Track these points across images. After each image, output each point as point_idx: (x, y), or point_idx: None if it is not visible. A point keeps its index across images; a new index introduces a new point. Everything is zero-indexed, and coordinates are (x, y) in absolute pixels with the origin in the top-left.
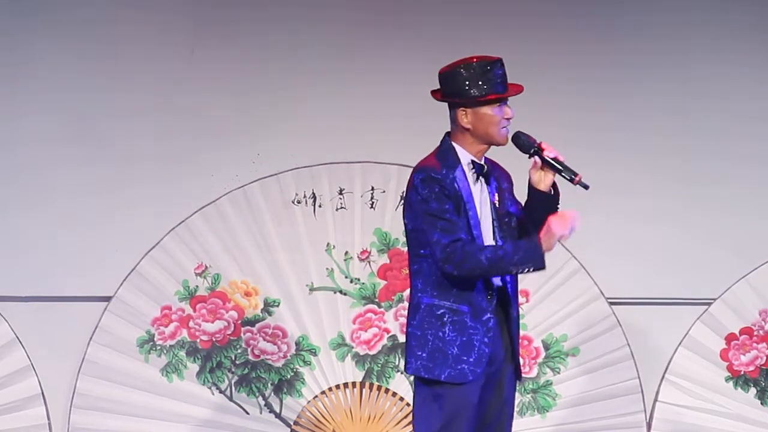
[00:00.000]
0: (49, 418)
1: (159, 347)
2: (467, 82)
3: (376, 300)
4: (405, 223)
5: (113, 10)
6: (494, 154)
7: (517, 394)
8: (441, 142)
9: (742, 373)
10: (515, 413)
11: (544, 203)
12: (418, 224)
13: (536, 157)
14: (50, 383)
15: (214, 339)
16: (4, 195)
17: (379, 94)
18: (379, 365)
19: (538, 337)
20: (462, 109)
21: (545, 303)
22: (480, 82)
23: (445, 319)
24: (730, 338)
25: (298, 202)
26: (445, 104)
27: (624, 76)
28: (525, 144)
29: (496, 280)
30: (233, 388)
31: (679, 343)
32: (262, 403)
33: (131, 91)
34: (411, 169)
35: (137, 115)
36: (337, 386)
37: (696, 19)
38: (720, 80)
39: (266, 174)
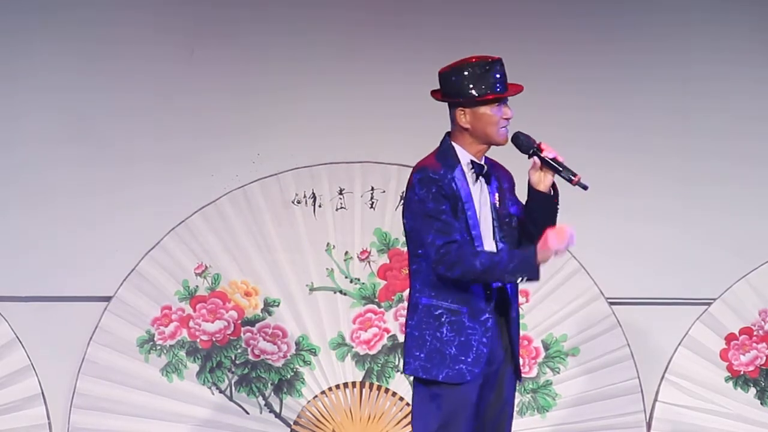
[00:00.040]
0: (49, 418)
1: (159, 347)
2: (466, 82)
3: (376, 300)
4: (404, 223)
5: (113, 10)
6: (494, 154)
7: (517, 394)
8: (441, 142)
9: (742, 373)
10: (515, 413)
11: (544, 204)
12: (415, 224)
13: (535, 158)
14: (50, 383)
15: (214, 339)
16: (4, 195)
17: (379, 94)
18: (379, 365)
19: (538, 337)
20: (460, 108)
21: (545, 303)
22: (478, 82)
23: (443, 319)
24: (729, 338)
25: (298, 202)
26: (445, 104)
27: (624, 76)
28: (524, 144)
29: None
30: (233, 388)
31: (679, 343)
32: (262, 403)
33: (131, 91)
34: (411, 169)
35: (137, 115)
36: (337, 386)
37: (696, 19)
38: (720, 80)
39: (266, 174)
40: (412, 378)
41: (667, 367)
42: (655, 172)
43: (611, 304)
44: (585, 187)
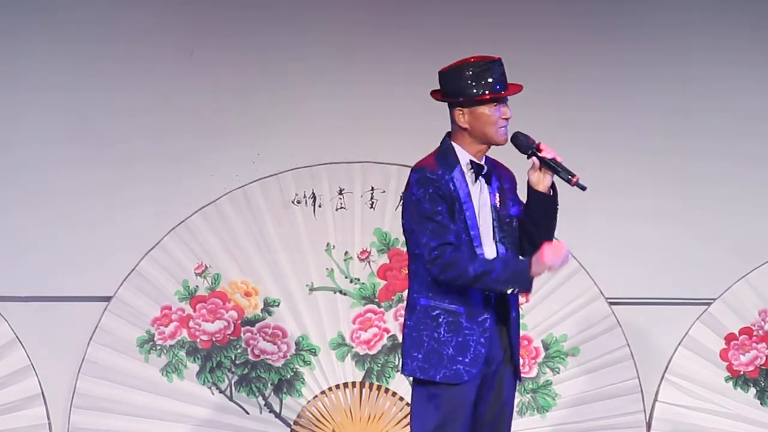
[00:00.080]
0: (49, 418)
1: (159, 347)
2: (464, 82)
3: (376, 300)
4: (403, 223)
5: (113, 10)
6: (494, 154)
7: (516, 394)
8: (441, 142)
9: (742, 373)
10: (515, 413)
11: (543, 204)
12: (412, 225)
13: (534, 158)
14: (50, 383)
15: (214, 339)
16: (4, 195)
17: (379, 94)
18: (379, 365)
19: (538, 337)
20: (459, 108)
21: (545, 303)
22: (477, 82)
23: (441, 320)
24: (729, 338)
25: (298, 202)
26: (446, 104)
27: (624, 76)
28: (523, 144)
29: None
30: (233, 388)
31: (679, 343)
32: (262, 403)
33: (131, 91)
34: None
35: (137, 115)
36: (337, 386)
37: (696, 19)
38: (720, 80)
39: (266, 174)
40: (411, 378)
41: (667, 367)
42: (655, 172)
43: (611, 304)
44: (583, 188)
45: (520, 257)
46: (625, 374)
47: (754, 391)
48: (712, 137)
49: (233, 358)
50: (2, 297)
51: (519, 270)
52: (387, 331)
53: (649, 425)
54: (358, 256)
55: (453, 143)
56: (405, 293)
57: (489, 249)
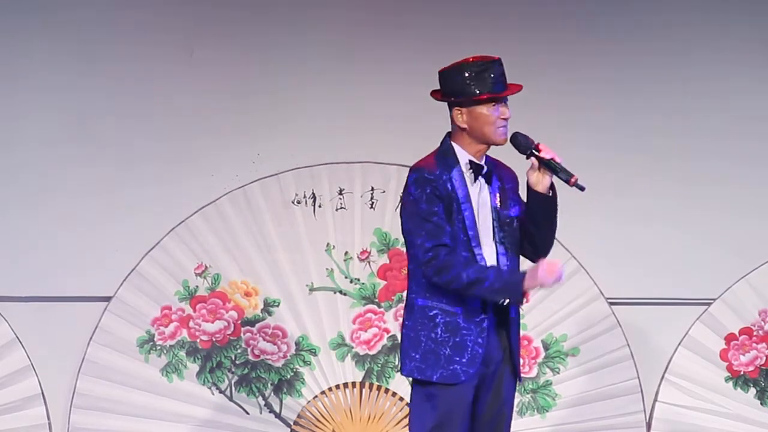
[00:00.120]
0: (49, 418)
1: (159, 347)
2: (463, 82)
3: (376, 300)
4: (401, 223)
5: (113, 11)
6: (494, 154)
7: (516, 394)
8: (441, 142)
9: (742, 373)
10: (515, 413)
11: (543, 204)
12: (409, 225)
13: (533, 158)
14: (50, 383)
15: (214, 339)
16: (4, 195)
17: (379, 94)
18: (379, 365)
19: (538, 337)
20: (458, 108)
21: (545, 303)
22: (475, 82)
23: (438, 320)
24: (729, 338)
25: (298, 202)
26: (446, 104)
27: (624, 76)
28: (522, 144)
29: None
30: (233, 388)
31: (679, 343)
32: (262, 403)
33: (131, 91)
34: None
35: (137, 115)
36: (337, 386)
37: (696, 19)
38: (720, 80)
39: (266, 174)
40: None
41: (667, 367)
42: (655, 172)
43: (611, 304)
44: (582, 188)
45: (520, 259)
46: (625, 374)
47: (754, 391)
48: (712, 137)
49: (233, 358)
50: (2, 297)
51: (512, 282)
52: (387, 331)
53: (649, 425)
54: (358, 256)
55: (453, 143)
56: (405, 293)
57: (488, 249)
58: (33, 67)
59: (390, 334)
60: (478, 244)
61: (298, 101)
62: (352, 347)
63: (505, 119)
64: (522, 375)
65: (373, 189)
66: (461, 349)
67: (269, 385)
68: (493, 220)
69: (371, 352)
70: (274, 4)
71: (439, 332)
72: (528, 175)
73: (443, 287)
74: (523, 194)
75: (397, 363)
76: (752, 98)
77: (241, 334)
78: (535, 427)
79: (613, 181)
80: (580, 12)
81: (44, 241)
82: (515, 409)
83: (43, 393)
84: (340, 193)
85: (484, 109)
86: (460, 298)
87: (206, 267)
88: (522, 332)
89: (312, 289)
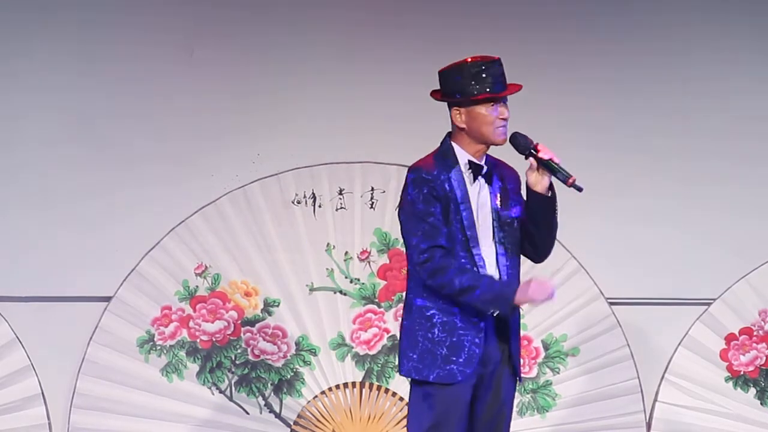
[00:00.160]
0: (49, 418)
1: (159, 347)
2: (461, 82)
3: (376, 300)
4: (399, 223)
5: (113, 11)
6: (495, 154)
7: (516, 394)
8: (441, 142)
9: (742, 373)
10: (515, 413)
11: (542, 205)
12: (407, 225)
13: (531, 158)
14: (50, 383)
15: (214, 339)
16: (4, 195)
17: (379, 94)
18: (379, 365)
19: (538, 337)
20: (456, 108)
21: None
22: (473, 82)
23: (435, 320)
24: (729, 338)
25: (298, 202)
26: (446, 104)
27: (624, 76)
28: (521, 145)
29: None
30: (233, 388)
31: (679, 343)
32: (262, 403)
33: (131, 91)
34: None
35: (137, 115)
36: (337, 386)
37: (696, 19)
38: (720, 80)
39: (266, 174)
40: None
41: (667, 367)
42: (655, 172)
43: (611, 304)
44: (580, 189)
45: (521, 260)
46: (625, 374)
47: (754, 391)
48: (712, 137)
49: (233, 358)
50: (2, 297)
51: (503, 294)
52: (387, 331)
53: (649, 425)
54: (358, 256)
55: (452, 143)
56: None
57: (488, 249)
58: (33, 66)
59: (390, 334)
60: (477, 245)
61: (298, 101)
62: (352, 347)
63: (504, 119)
64: (522, 375)
65: (373, 189)
66: (458, 349)
67: (269, 385)
68: (493, 220)
69: (371, 352)
70: (274, 4)
71: (436, 332)
72: (527, 176)
73: (437, 291)
74: (524, 194)
75: (397, 363)
76: (752, 98)
77: (241, 334)
78: (535, 427)
79: (613, 181)
80: (580, 12)
81: (44, 241)
82: (515, 409)
83: (43, 393)
84: (340, 193)
85: (482, 109)
86: None
87: (206, 267)
88: (522, 332)
89: (312, 289)
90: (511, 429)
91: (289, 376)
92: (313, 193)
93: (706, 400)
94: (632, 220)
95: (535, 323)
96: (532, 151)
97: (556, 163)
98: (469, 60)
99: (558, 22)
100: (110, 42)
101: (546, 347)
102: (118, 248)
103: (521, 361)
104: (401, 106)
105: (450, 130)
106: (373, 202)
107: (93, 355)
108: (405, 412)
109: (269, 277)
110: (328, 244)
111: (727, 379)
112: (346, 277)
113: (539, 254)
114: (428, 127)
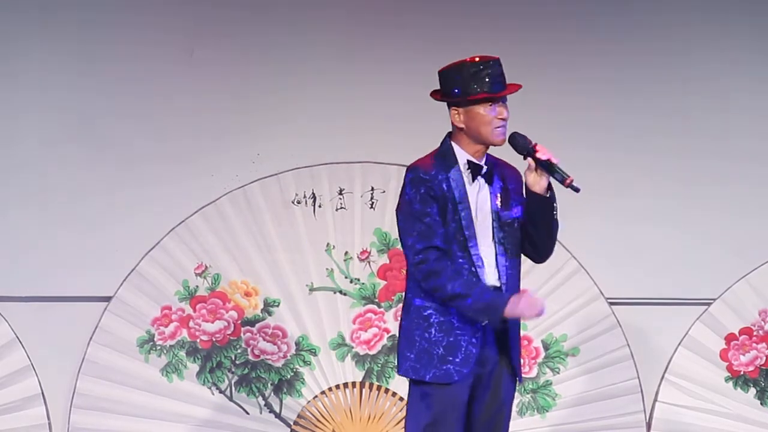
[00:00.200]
0: (49, 418)
1: (159, 347)
2: (459, 82)
3: (376, 300)
4: (397, 222)
5: (113, 11)
6: (495, 154)
7: (516, 394)
8: (441, 141)
9: (742, 373)
10: (515, 413)
11: (540, 206)
12: (403, 224)
13: (530, 159)
14: (50, 383)
15: (214, 339)
16: (4, 195)
17: (379, 94)
18: (379, 365)
19: (538, 337)
20: (455, 108)
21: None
22: (471, 81)
23: (432, 320)
24: (729, 338)
25: (298, 202)
26: (446, 104)
27: (624, 76)
28: (520, 145)
29: (492, 281)
30: (233, 388)
31: (679, 343)
32: (262, 403)
33: (131, 91)
34: None
35: (137, 115)
36: (337, 386)
37: (696, 19)
38: (720, 80)
39: (266, 174)
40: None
41: (667, 367)
42: (655, 172)
43: (611, 304)
44: (577, 190)
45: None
46: (625, 374)
47: (754, 391)
48: (712, 137)
49: (233, 358)
50: (2, 297)
51: (493, 305)
52: (387, 331)
53: (649, 425)
54: (358, 256)
55: (452, 143)
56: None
57: (487, 249)
58: (33, 66)
59: (390, 334)
60: (475, 245)
61: (298, 101)
62: (352, 347)
63: (503, 119)
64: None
65: (373, 189)
66: (455, 349)
67: (269, 385)
68: (492, 220)
69: (371, 352)
70: (274, 4)
71: (433, 332)
72: (525, 176)
73: (430, 293)
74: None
75: (397, 363)
76: (752, 98)
77: (241, 334)
78: (535, 427)
79: (613, 181)
80: (580, 12)
81: (44, 241)
82: (515, 409)
83: (43, 393)
84: (340, 193)
85: (480, 109)
86: None
87: (206, 267)
88: (522, 332)
89: (312, 289)
90: (511, 429)
91: (289, 376)
92: (313, 193)
93: (706, 400)
94: (632, 220)
95: (535, 323)
96: (531, 151)
97: (553, 164)
98: (469, 60)
99: (558, 22)
100: (110, 42)
101: (546, 347)
102: (118, 248)
103: (521, 361)
104: (401, 106)
105: (450, 130)
106: (373, 202)
107: (93, 355)
108: (405, 412)
109: (269, 277)
110: (328, 244)
111: (727, 379)
112: (346, 277)
113: (540, 255)
114: (428, 127)
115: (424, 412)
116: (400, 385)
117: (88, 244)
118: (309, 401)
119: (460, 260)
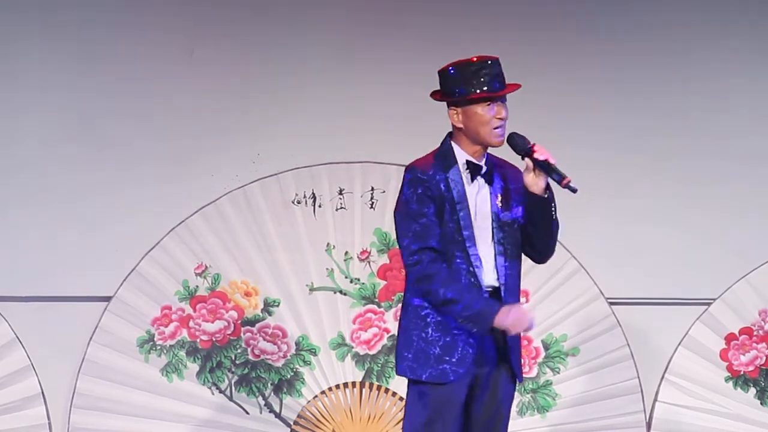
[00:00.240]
0: (49, 418)
1: (159, 347)
2: (458, 81)
3: (376, 300)
4: (395, 223)
5: (113, 11)
6: (496, 154)
7: (516, 394)
8: (442, 141)
9: (742, 373)
10: (515, 413)
11: (539, 206)
12: (400, 224)
13: (528, 159)
14: (50, 383)
15: (214, 339)
16: (4, 195)
17: (379, 94)
18: (379, 365)
19: (538, 337)
20: (453, 108)
21: (545, 303)
22: (470, 81)
23: (429, 319)
24: (729, 338)
25: (298, 202)
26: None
27: (624, 76)
28: (519, 145)
29: (491, 280)
30: (233, 388)
31: (679, 343)
32: (262, 403)
33: (131, 91)
34: None
35: (137, 115)
36: (337, 386)
37: (696, 19)
38: (720, 80)
39: (266, 174)
40: None
41: (667, 367)
42: (655, 172)
43: (611, 304)
44: (574, 190)
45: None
46: (625, 374)
47: (754, 391)
48: (712, 137)
49: (233, 358)
50: (2, 297)
51: (484, 313)
52: (387, 331)
53: (649, 425)
54: (358, 256)
55: (452, 143)
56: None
57: (486, 250)
58: (33, 66)
59: (390, 334)
60: (474, 245)
61: (298, 101)
62: (352, 347)
63: (501, 119)
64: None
65: (373, 189)
66: (451, 348)
67: (269, 385)
68: (492, 221)
69: (371, 352)
70: (274, 4)
71: (430, 332)
72: (524, 176)
73: (423, 295)
74: None
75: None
76: (752, 98)
77: (241, 334)
78: (535, 427)
79: (613, 181)
80: (580, 12)
81: (44, 241)
82: (515, 409)
83: (43, 393)
84: (340, 193)
85: (478, 109)
86: None
87: (206, 267)
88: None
89: (312, 289)
90: (511, 429)
91: (289, 376)
92: (313, 193)
93: (706, 400)
94: (632, 220)
95: (534, 323)
96: (529, 151)
97: (551, 164)
98: (467, 60)
99: (558, 22)
100: (110, 42)
101: (546, 347)
102: (118, 248)
103: (521, 361)
104: (401, 106)
105: (451, 130)
106: (373, 202)
107: (93, 355)
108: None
109: (269, 277)
110: (328, 244)
111: (727, 379)
112: (346, 277)
113: (540, 255)
114: (428, 127)
115: (420, 412)
116: (400, 385)
117: (88, 244)
118: (309, 401)
119: (459, 260)
